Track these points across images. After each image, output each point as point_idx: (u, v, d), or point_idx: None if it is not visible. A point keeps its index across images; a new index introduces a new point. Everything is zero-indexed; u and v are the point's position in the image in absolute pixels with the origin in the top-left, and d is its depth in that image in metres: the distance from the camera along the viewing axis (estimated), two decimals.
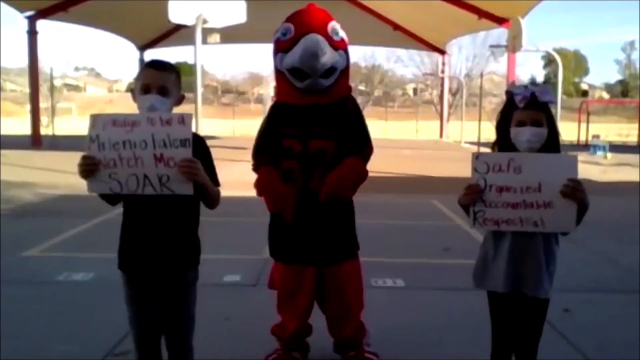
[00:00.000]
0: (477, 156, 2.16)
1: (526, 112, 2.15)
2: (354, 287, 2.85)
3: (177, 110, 2.18)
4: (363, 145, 2.70)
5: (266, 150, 2.71)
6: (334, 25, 2.63)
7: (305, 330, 2.91)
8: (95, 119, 2.07)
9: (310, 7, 2.66)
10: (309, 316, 2.87)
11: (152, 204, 2.12)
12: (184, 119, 2.04)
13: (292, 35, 2.56)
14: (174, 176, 2.02)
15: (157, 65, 2.18)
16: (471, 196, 2.14)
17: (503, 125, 2.24)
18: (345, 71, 2.69)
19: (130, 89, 2.24)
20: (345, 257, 2.77)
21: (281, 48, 2.61)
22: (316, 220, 2.64)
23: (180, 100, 2.23)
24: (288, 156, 2.62)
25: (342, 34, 2.67)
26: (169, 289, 2.21)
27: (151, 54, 25.39)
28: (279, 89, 2.75)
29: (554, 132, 2.20)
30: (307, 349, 2.96)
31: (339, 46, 2.63)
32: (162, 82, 2.13)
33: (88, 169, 2.05)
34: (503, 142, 2.24)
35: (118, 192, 2.07)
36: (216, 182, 2.21)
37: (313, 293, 2.78)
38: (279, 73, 2.67)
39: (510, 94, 2.20)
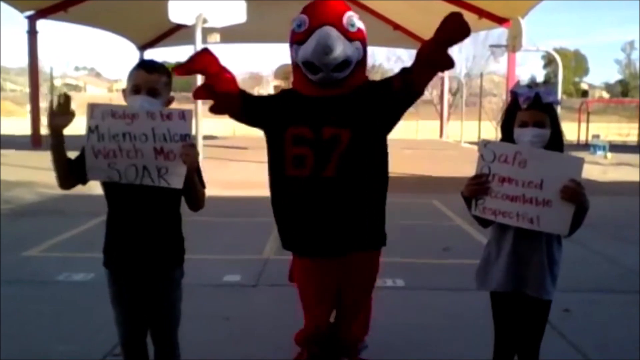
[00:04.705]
0: (485, 143, 2.17)
1: (529, 113, 2.15)
2: (367, 281, 2.73)
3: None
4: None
5: (252, 96, 2.70)
6: (350, 15, 2.54)
7: (328, 328, 2.77)
8: (93, 108, 2.10)
9: None
10: (330, 313, 2.75)
11: (135, 203, 2.16)
12: (184, 115, 2.10)
13: (307, 27, 2.50)
14: (172, 169, 2.10)
15: (148, 67, 2.19)
16: (474, 188, 2.15)
17: (507, 125, 2.24)
18: (361, 62, 2.60)
19: (122, 89, 2.26)
20: (364, 247, 2.62)
21: (296, 40, 2.56)
22: (329, 208, 2.53)
23: (169, 102, 2.24)
24: (298, 143, 2.52)
25: (359, 24, 2.58)
26: (155, 287, 2.23)
27: (151, 54, 25.38)
28: (294, 80, 2.69)
29: (557, 133, 2.19)
30: (331, 349, 2.81)
31: (355, 37, 2.54)
32: (152, 84, 2.15)
33: None
34: (507, 142, 2.24)
35: (116, 181, 2.11)
36: (202, 184, 2.26)
37: (334, 288, 2.67)
38: (294, 64, 2.62)
39: (514, 94, 2.20)
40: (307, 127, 2.52)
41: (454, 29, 2.40)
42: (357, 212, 2.57)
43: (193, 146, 2.10)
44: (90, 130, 2.09)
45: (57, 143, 2.09)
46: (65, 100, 2.08)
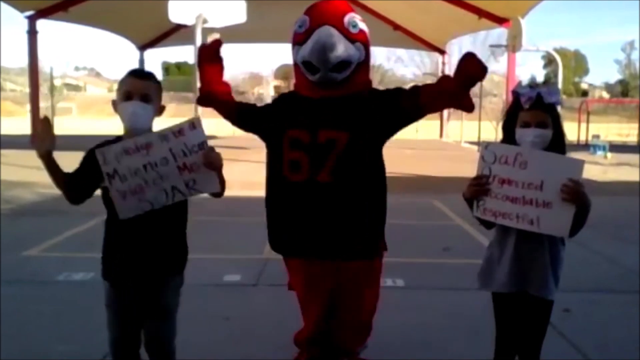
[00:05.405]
0: (486, 145, 2.18)
1: (531, 113, 2.15)
2: (361, 290, 2.69)
3: (167, 117, 2.19)
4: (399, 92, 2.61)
5: (248, 105, 2.78)
6: (351, 17, 2.54)
7: (323, 330, 2.75)
8: (104, 154, 2.06)
9: None
10: (325, 315, 2.72)
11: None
12: (194, 124, 2.11)
13: (307, 28, 2.50)
14: (200, 177, 2.11)
15: (140, 74, 2.21)
16: (475, 189, 2.15)
17: (509, 125, 2.24)
18: (363, 64, 2.59)
19: (112, 101, 2.22)
20: (356, 256, 2.60)
21: (297, 41, 2.56)
22: (324, 213, 2.50)
23: (161, 110, 2.23)
24: (294, 146, 2.50)
25: (362, 25, 2.57)
26: (154, 296, 2.20)
27: (151, 54, 25.42)
28: (296, 81, 2.70)
29: (559, 134, 2.19)
30: (330, 351, 2.80)
31: (357, 39, 2.53)
32: (144, 90, 2.15)
33: None
34: (509, 142, 2.24)
35: (150, 209, 2.10)
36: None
37: (328, 290, 2.65)
38: (296, 65, 2.62)
39: (516, 95, 2.20)
40: (304, 130, 2.50)
41: (475, 71, 2.35)
42: (351, 218, 2.53)
43: (212, 149, 2.11)
44: (109, 176, 2.06)
45: (49, 167, 2.08)
46: (45, 122, 2.07)
